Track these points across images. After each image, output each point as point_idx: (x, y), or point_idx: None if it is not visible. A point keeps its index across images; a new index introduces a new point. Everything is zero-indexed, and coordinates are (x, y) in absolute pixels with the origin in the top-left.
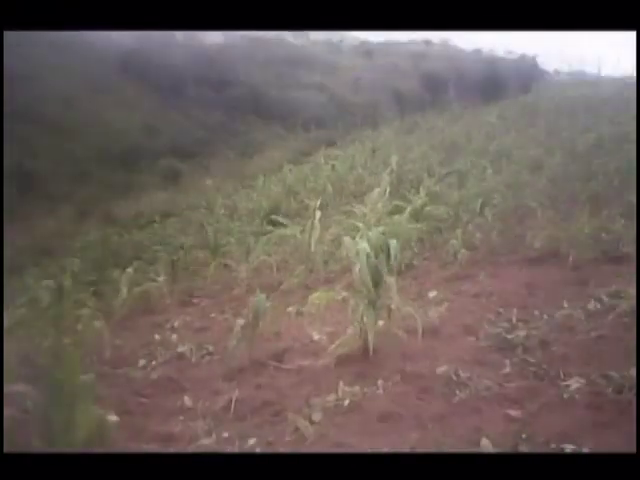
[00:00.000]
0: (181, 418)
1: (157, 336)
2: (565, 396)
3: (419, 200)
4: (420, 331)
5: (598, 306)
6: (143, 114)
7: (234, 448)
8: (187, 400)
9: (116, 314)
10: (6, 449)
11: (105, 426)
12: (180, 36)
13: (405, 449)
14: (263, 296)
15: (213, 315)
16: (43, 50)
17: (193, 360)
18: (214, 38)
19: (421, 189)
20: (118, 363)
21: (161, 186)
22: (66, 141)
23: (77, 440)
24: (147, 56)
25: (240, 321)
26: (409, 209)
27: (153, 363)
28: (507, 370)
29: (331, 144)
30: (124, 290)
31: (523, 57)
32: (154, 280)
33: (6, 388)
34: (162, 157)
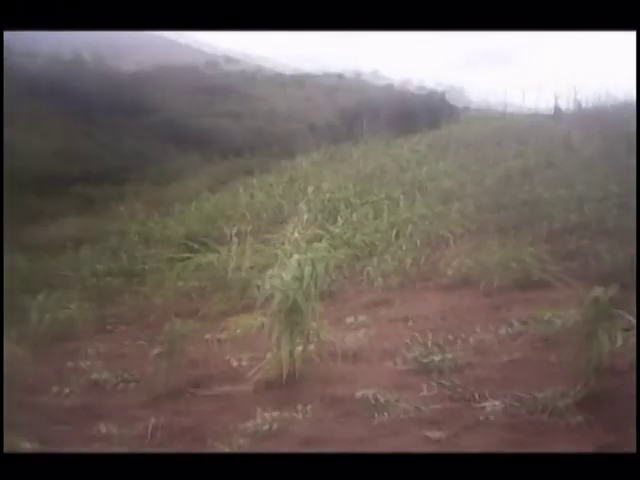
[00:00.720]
0: (96, 445)
1: (70, 363)
2: (481, 418)
3: (337, 229)
4: (339, 356)
5: (509, 330)
6: (53, 140)
7: None
8: (103, 427)
9: (27, 341)
10: None
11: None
12: (90, 61)
13: None
14: (179, 322)
15: (128, 342)
16: None
17: (108, 387)
18: (126, 65)
19: (339, 218)
20: (31, 391)
21: (73, 212)
22: None
23: None
24: (55, 80)
25: (156, 349)
26: (327, 237)
27: (67, 390)
28: (424, 393)
29: (249, 173)
30: (35, 317)
31: (432, 93)
32: (67, 307)
33: None
34: (74, 183)
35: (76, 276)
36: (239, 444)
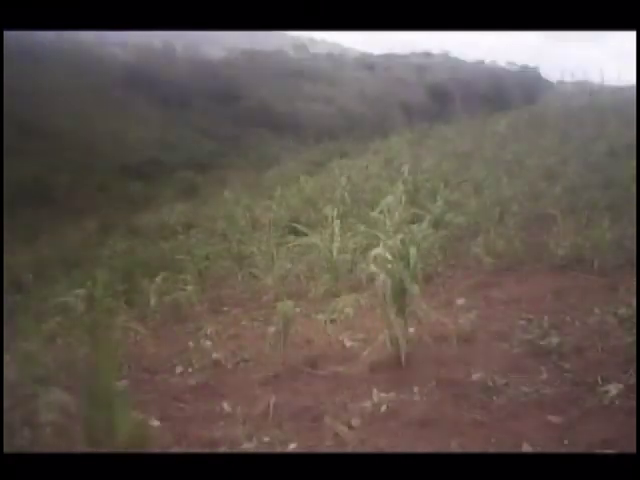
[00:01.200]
0: (221, 423)
1: (191, 343)
2: (605, 402)
3: (437, 209)
4: (453, 338)
5: (630, 312)
6: (153, 128)
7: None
8: (226, 406)
9: (148, 322)
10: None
11: (147, 431)
12: (181, 50)
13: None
14: (291, 303)
15: (244, 323)
16: (52, 65)
17: (229, 367)
18: (215, 52)
19: (438, 198)
20: (156, 370)
21: (179, 198)
22: (85, 156)
23: (119, 445)
24: (151, 71)
25: (271, 328)
26: (428, 217)
27: (189, 370)
28: (544, 376)
29: (344, 155)
30: (154, 299)
31: (525, 68)
32: (183, 289)
33: (47, 395)
34: (178, 170)
35: (189, 259)
36: (355, 424)
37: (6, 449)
